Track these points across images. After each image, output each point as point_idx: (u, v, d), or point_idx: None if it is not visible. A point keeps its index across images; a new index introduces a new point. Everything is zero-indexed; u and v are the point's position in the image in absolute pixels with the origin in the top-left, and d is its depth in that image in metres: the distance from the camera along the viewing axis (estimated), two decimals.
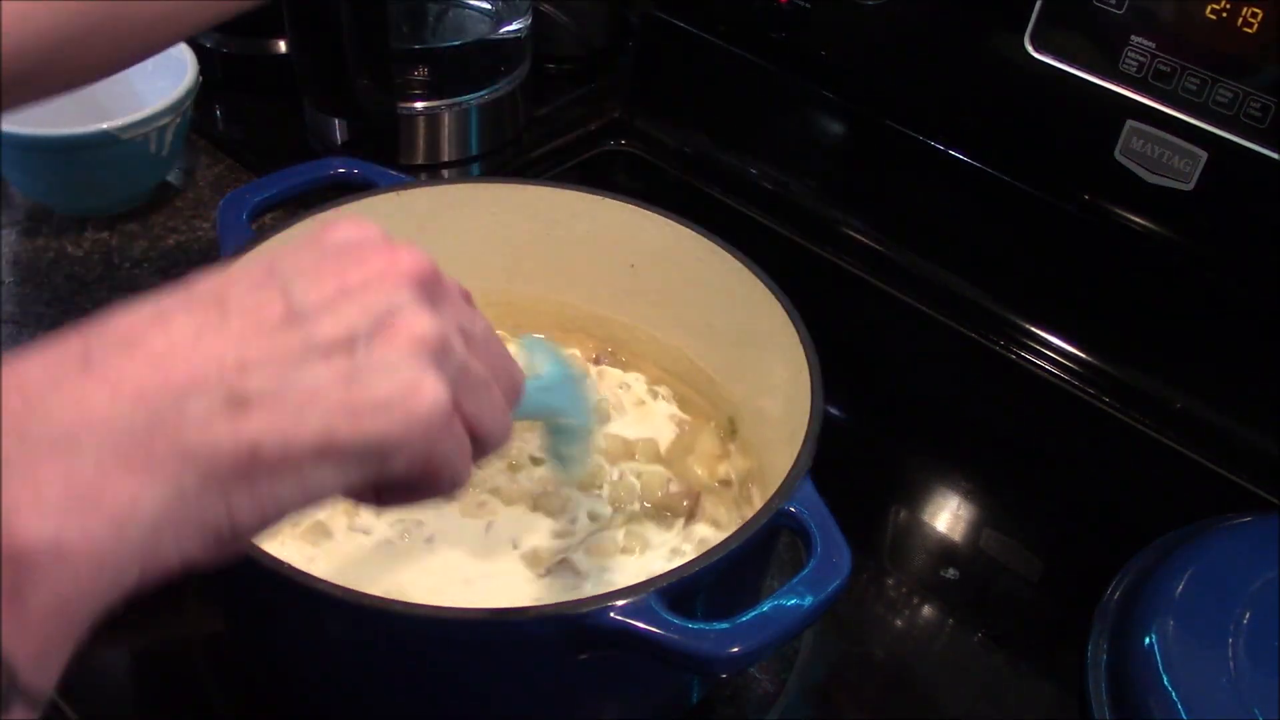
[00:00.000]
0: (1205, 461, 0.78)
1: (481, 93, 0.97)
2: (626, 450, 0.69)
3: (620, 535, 0.65)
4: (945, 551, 0.74)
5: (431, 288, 0.39)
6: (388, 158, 0.84)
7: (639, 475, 0.68)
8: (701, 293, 0.71)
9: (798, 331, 0.63)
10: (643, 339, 0.76)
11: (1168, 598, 0.63)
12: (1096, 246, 0.82)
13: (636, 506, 0.67)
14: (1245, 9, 0.70)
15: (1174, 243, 0.79)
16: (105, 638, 0.34)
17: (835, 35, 0.90)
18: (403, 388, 0.36)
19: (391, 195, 0.71)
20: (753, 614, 0.49)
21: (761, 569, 0.63)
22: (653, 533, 0.65)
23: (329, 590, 0.49)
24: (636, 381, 0.76)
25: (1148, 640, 0.61)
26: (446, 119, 0.97)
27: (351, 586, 0.49)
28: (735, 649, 0.48)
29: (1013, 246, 0.87)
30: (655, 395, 0.75)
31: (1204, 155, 0.74)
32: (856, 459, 0.79)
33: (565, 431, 0.59)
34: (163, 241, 0.89)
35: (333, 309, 0.36)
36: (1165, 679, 0.59)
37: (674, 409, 0.74)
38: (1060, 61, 0.78)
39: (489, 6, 0.99)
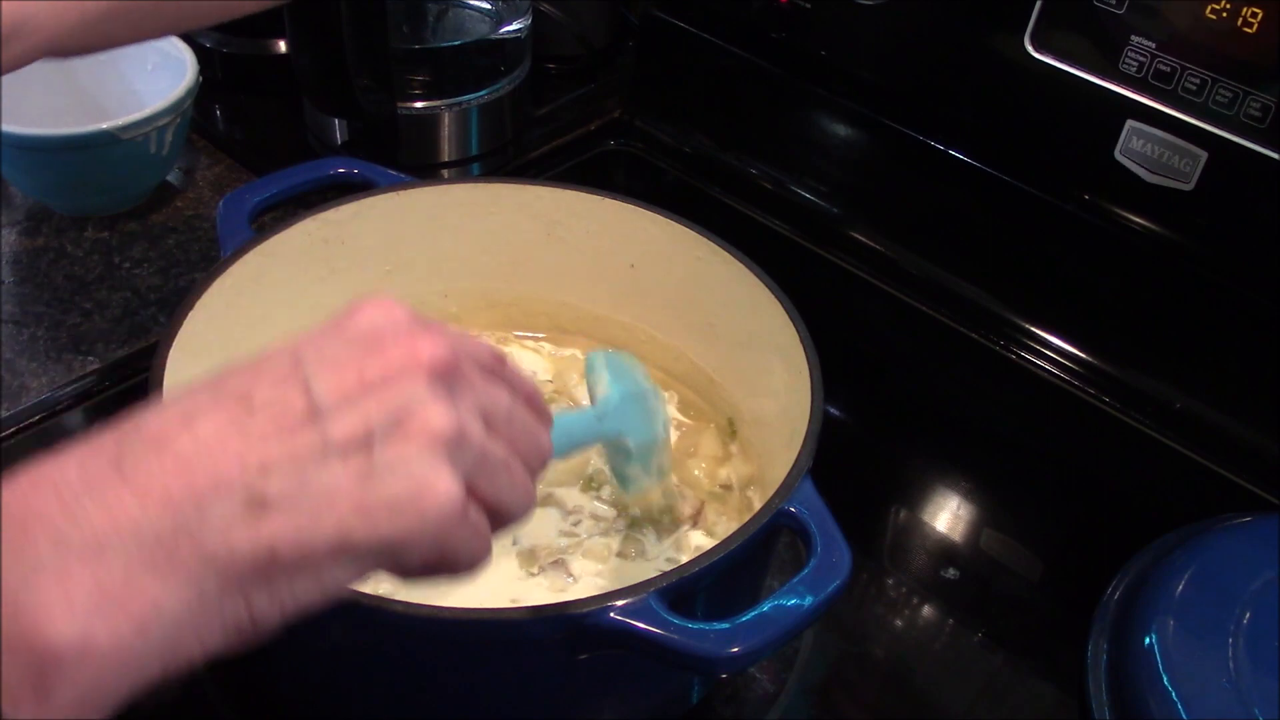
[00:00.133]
0: (1205, 461, 0.78)
1: (481, 93, 0.97)
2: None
3: (618, 541, 0.65)
4: (945, 551, 0.74)
5: (450, 376, 0.40)
6: (388, 158, 0.84)
7: None
8: (701, 293, 0.71)
9: (798, 331, 0.63)
10: (642, 339, 0.76)
11: (1168, 598, 0.63)
12: (1096, 246, 0.82)
13: (638, 511, 0.67)
14: (1245, 9, 0.70)
15: (1174, 243, 0.79)
16: None
17: (835, 35, 0.90)
18: (415, 487, 0.37)
19: (391, 195, 0.71)
20: (753, 614, 0.49)
21: (761, 569, 0.63)
22: (650, 539, 0.66)
23: None
24: None
25: (1148, 640, 0.61)
26: (446, 119, 0.97)
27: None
28: (735, 649, 0.48)
29: (1013, 246, 0.87)
30: None
31: (1204, 155, 0.74)
32: (856, 459, 0.79)
33: (624, 451, 0.59)
34: (163, 241, 0.89)
35: (352, 404, 0.38)
36: (1165, 679, 0.59)
37: (674, 411, 0.74)
38: (1060, 61, 0.78)
39: (489, 6, 0.99)
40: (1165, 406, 0.81)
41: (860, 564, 0.53)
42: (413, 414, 0.38)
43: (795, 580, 0.51)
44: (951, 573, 0.72)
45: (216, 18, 0.77)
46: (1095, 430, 0.82)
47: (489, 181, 0.75)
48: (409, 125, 0.95)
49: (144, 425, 0.37)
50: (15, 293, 0.84)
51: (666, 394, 0.75)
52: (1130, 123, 0.76)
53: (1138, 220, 0.80)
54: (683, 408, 0.74)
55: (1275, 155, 0.71)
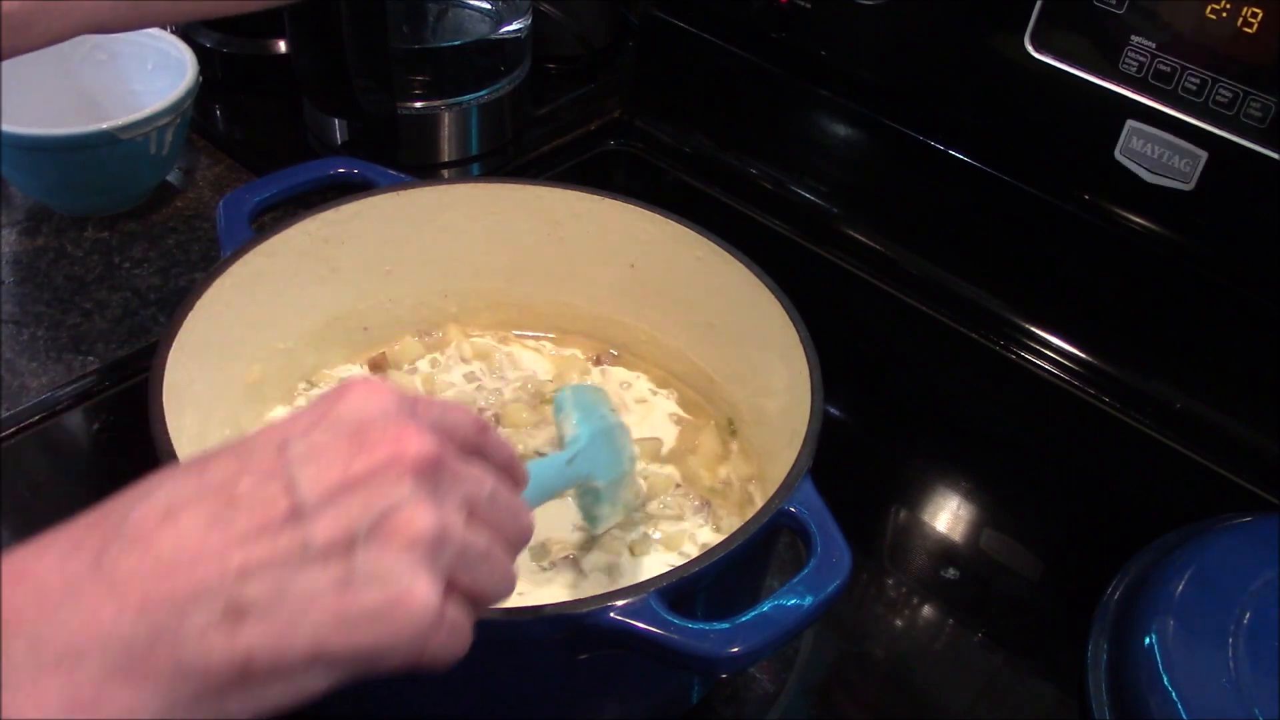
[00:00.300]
0: (1205, 461, 0.78)
1: (481, 93, 0.97)
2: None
3: (629, 536, 0.65)
4: (945, 551, 0.74)
5: (434, 472, 0.40)
6: (388, 158, 0.84)
7: (645, 477, 0.68)
8: (701, 293, 0.71)
9: (798, 331, 0.63)
10: (643, 339, 0.76)
11: (1168, 598, 0.63)
12: (1096, 246, 0.82)
13: (644, 508, 0.67)
14: (1245, 9, 0.70)
15: (1174, 243, 0.79)
16: None
17: (835, 35, 0.90)
18: (393, 596, 0.37)
19: (391, 195, 0.71)
20: (753, 614, 0.49)
21: (761, 569, 0.63)
22: (657, 535, 0.66)
23: None
24: (637, 380, 0.76)
25: (1148, 640, 0.61)
26: (446, 119, 0.97)
27: None
28: (735, 649, 0.48)
29: (1013, 246, 0.87)
30: (655, 393, 0.75)
31: (1204, 155, 0.74)
32: (856, 459, 0.79)
33: (594, 492, 0.60)
34: (163, 241, 0.89)
35: (334, 504, 0.37)
36: (1165, 679, 0.59)
37: (674, 407, 0.74)
38: (1060, 61, 0.78)
39: (489, 6, 0.99)
40: (1165, 406, 0.81)
41: (860, 564, 0.53)
42: (395, 516, 0.38)
43: (795, 580, 0.51)
44: (951, 573, 0.72)
45: (247, 6, 0.76)
46: (1095, 430, 0.82)
47: (489, 181, 0.75)
48: (409, 125, 0.95)
49: (126, 518, 0.36)
50: (15, 293, 0.84)
51: (666, 392, 0.75)
52: (1130, 123, 0.76)
53: (1138, 220, 0.80)
54: (683, 406, 0.74)
55: (1275, 155, 0.71)
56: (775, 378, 0.66)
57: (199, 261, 0.87)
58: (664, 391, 0.75)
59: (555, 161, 1.01)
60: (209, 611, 0.35)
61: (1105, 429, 0.82)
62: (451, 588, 0.40)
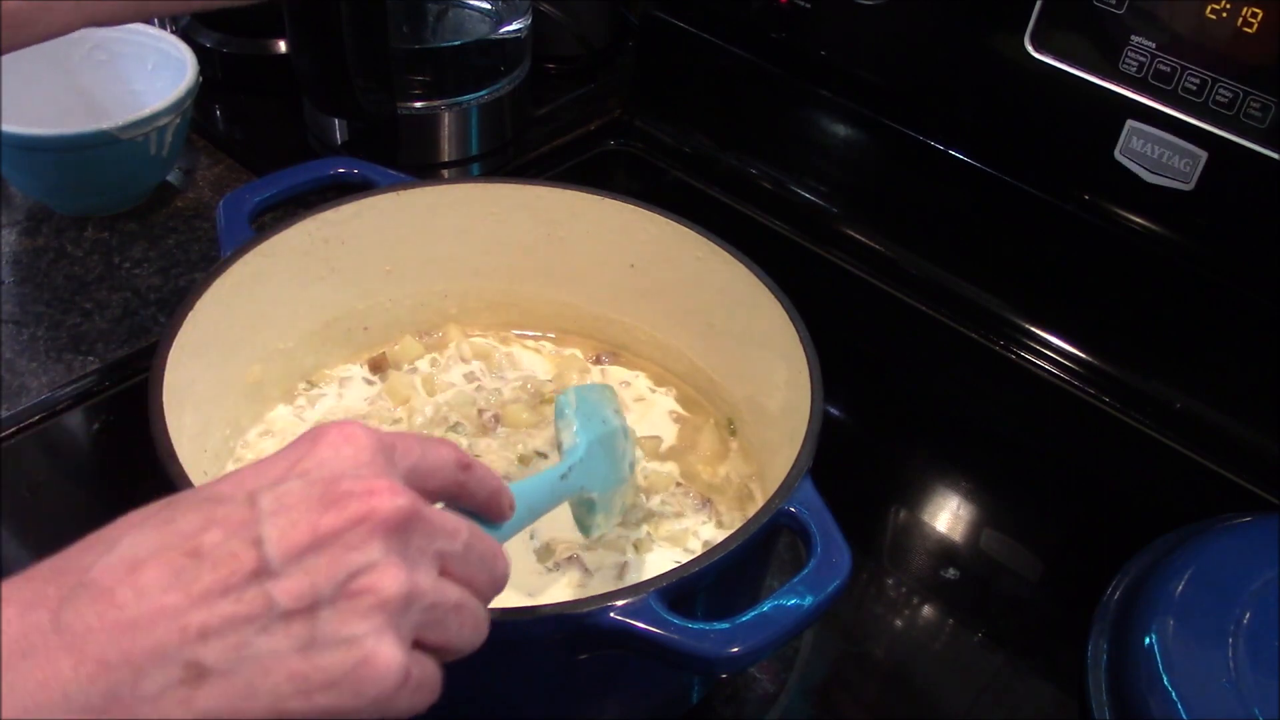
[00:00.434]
0: (1205, 461, 0.79)
1: (481, 93, 0.97)
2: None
3: (632, 535, 0.65)
4: (945, 551, 0.74)
5: (406, 531, 0.39)
6: (388, 158, 0.84)
7: (645, 475, 0.68)
8: (701, 293, 0.71)
9: (798, 331, 0.63)
10: (643, 339, 0.76)
11: (1168, 598, 0.63)
12: (1096, 246, 0.82)
13: (646, 506, 0.67)
14: (1245, 9, 0.70)
15: (1174, 243, 0.79)
16: None
17: (835, 35, 0.90)
18: (356, 661, 0.37)
19: (391, 195, 0.71)
20: (753, 614, 0.49)
21: (761, 569, 0.63)
22: (661, 534, 0.66)
23: None
24: (636, 379, 0.76)
25: (1148, 640, 0.61)
26: (446, 119, 0.97)
27: None
28: (735, 649, 0.48)
29: (1013, 246, 0.87)
30: (654, 391, 0.75)
31: (1204, 155, 0.74)
32: (856, 459, 0.79)
33: (588, 503, 0.59)
34: (163, 241, 0.89)
35: (300, 563, 0.37)
36: (1165, 679, 0.59)
37: (673, 404, 0.74)
38: (1060, 61, 0.78)
39: (489, 6, 0.99)
40: (1165, 406, 0.81)
41: (860, 564, 0.53)
42: (363, 578, 0.37)
43: (795, 580, 0.51)
44: (951, 573, 0.72)
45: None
46: (1095, 430, 0.82)
47: (489, 181, 0.75)
48: (409, 125, 0.95)
49: (89, 570, 0.36)
50: (15, 293, 0.84)
51: (665, 389, 0.75)
52: (1130, 123, 0.76)
53: (1138, 220, 0.80)
54: (683, 404, 0.74)
55: (1275, 155, 0.71)
56: (775, 377, 0.66)
57: (199, 261, 0.87)
58: (663, 389, 0.75)
59: (555, 161, 1.01)
60: (167, 673, 0.35)
61: (1105, 429, 0.82)
62: (419, 644, 0.40)
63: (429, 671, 0.40)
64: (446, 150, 0.98)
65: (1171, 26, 0.73)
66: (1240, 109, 0.72)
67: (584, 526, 0.60)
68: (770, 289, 0.66)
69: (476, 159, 1.00)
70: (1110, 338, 0.84)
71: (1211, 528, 0.68)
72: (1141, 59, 0.75)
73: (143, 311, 0.83)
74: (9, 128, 0.82)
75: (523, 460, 0.68)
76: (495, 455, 0.69)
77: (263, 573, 0.36)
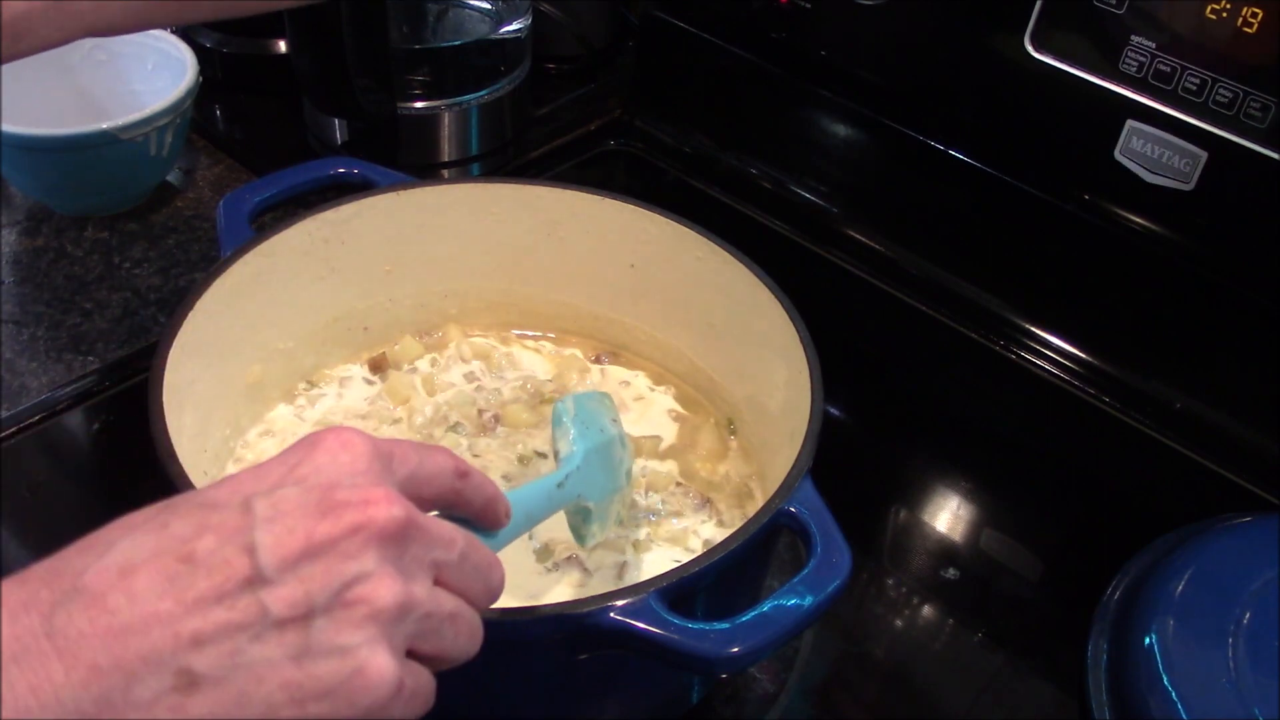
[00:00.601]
0: (1205, 461, 0.79)
1: (481, 93, 0.97)
2: (633, 448, 0.69)
3: (632, 534, 0.65)
4: (945, 551, 0.74)
5: (401, 540, 0.39)
6: (388, 158, 0.84)
7: (645, 474, 0.68)
8: (701, 293, 0.71)
9: (798, 331, 0.63)
10: (643, 339, 0.76)
11: (1168, 598, 0.63)
12: (1096, 246, 0.82)
13: (645, 505, 0.67)
14: (1245, 9, 0.70)
15: (1174, 243, 0.79)
16: None
17: (835, 35, 0.90)
18: (350, 671, 0.37)
19: (391, 195, 0.71)
20: (753, 614, 0.49)
21: (761, 569, 0.63)
22: (661, 533, 0.66)
23: None
24: (636, 378, 0.76)
25: (1148, 640, 0.61)
26: (446, 119, 0.97)
27: None
28: (735, 649, 0.48)
29: (1013, 246, 0.87)
30: (653, 389, 0.75)
31: (1204, 155, 0.74)
32: (856, 459, 0.79)
33: (584, 512, 0.59)
34: (163, 241, 0.89)
35: (295, 571, 0.37)
36: (1165, 679, 0.59)
37: (673, 403, 0.74)
38: (1060, 61, 0.78)
39: (489, 6, 0.99)
40: (1165, 406, 0.81)
41: (860, 564, 0.53)
42: (357, 587, 0.37)
43: (795, 580, 0.51)
44: (951, 573, 0.72)
45: (247, 8, 0.76)
46: (1095, 430, 0.82)
47: (489, 181, 0.75)
48: (409, 125, 0.95)
49: (82, 574, 0.36)
50: (15, 293, 0.84)
51: (664, 388, 0.75)
52: (1130, 123, 0.76)
53: (1138, 220, 0.80)
54: (683, 404, 0.74)
55: (1275, 155, 0.71)
56: (775, 377, 0.66)
57: (199, 261, 0.87)
58: (661, 388, 0.75)
59: (555, 161, 1.01)
60: (158, 681, 0.34)
61: (1105, 429, 0.82)
62: (413, 654, 0.40)
63: (423, 681, 0.40)
64: (446, 150, 0.98)
65: (1171, 26, 0.73)
66: (1240, 109, 0.72)
67: (579, 535, 0.60)
68: (770, 289, 0.66)
69: (476, 159, 1.00)
70: (1110, 338, 0.84)
71: (1211, 528, 0.68)
72: (1141, 59, 0.75)
73: (143, 311, 0.83)
74: (9, 128, 0.82)
75: (522, 460, 0.68)
76: (495, 455, 0.69)
77: (256, 580, 0.36)
